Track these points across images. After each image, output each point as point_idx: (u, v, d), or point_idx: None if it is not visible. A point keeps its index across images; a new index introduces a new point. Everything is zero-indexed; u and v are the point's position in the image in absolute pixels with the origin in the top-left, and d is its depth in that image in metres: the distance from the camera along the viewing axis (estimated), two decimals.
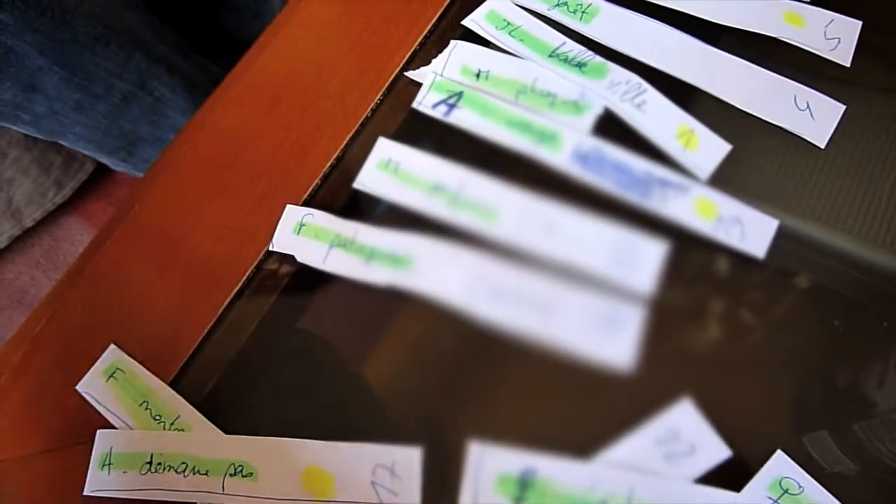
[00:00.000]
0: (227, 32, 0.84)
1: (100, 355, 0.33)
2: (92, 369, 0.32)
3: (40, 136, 0.61)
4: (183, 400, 0.31)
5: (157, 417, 0.31)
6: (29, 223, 0.80)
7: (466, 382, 0.33)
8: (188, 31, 0.80)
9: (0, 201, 0.77)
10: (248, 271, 0.33)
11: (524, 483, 0.28)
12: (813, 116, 0.33)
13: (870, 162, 0.33)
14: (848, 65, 0.34)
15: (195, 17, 0.83)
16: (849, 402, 0.31)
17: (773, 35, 0.34)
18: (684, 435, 0.28)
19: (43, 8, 0.51)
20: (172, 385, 0.32)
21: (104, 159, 0.69)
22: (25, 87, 0.54)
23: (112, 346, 0.32)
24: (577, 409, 0.31)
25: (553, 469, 0.28)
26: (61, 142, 0.62)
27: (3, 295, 0.81)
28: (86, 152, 0.66)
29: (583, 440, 0.29)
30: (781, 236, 0.32)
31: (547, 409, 0.32)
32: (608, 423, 0.30)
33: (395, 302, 0.32)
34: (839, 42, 0.34)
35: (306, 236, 0.33)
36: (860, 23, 0.35)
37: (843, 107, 0.33)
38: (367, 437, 0.30)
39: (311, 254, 0.32)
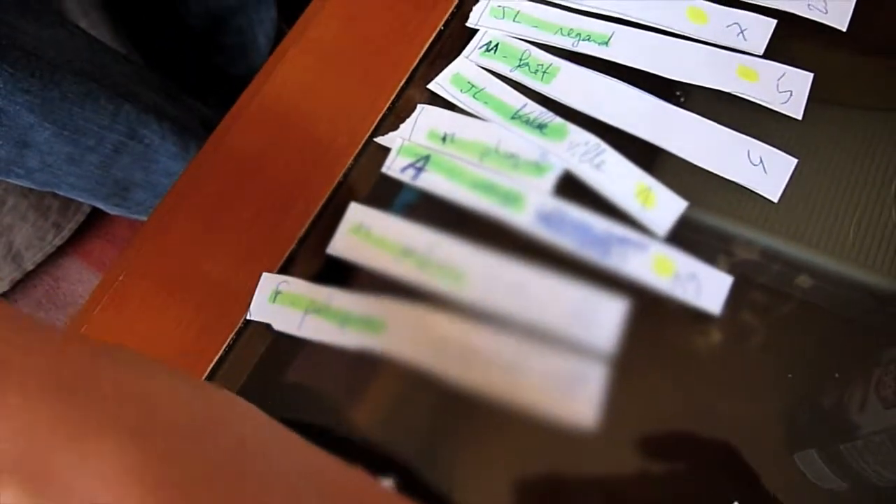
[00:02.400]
0: (216, 70, 0.86)
1: None
2: None
3: (35, 188, 0.63)
4: None
5: None
6: (30, 266, 0.82)
7: (452, 437, 0.34)
8: (177, 71, 0.82)
9: (0, 247, 0.79)
10: (229, 338, 0.35)
11: None
12: (766, 171, 0.34)
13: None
14: (800, 118, 0.35)
15: (183, 56, 0.85)
16: (834, 423, 0.32)
17: (727, 90, 0.36)
18: None
19: (32, 69, 0.53)
20: None
21: (99, 205, 0.70)
22: (17, 143, 0.56)
23: None
24: (554, 465, 0.33)
25: None
26: (56, 191, 0.64)
27: None
28: (80, 200, 0.68)
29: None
30: (763, 254, 0.33)
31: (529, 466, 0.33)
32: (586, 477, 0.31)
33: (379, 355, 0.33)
34: (791, 95, 0.35)
35: (282, 304, 0.34)
36: (811, 75, 0.36)
37: (795, 160, 0.34)
38: None
39: (287, 321, 0.34)
